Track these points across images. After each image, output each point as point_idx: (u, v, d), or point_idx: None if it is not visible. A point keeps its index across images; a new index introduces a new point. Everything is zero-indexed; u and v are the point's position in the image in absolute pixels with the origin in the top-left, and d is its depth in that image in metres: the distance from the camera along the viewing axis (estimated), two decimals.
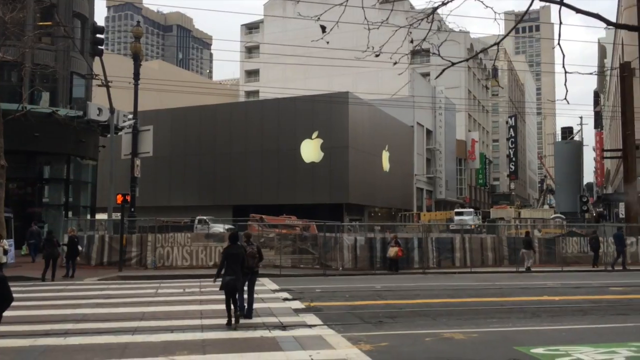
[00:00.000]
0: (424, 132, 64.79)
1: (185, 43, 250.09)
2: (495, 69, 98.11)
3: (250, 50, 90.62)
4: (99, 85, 22.66)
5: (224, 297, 10.55)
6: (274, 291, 15.59)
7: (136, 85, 23.28)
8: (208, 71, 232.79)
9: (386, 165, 51.99)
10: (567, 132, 70.91)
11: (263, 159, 46.41)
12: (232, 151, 47.59)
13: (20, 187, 27.60)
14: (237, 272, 10.49)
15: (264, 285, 17.00)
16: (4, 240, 16.89)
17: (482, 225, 38.87)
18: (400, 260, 22.41)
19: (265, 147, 46.37)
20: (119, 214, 25.03)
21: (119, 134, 25.59)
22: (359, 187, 45.40)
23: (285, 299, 13.97)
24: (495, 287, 17.31)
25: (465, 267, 22.91)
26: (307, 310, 12.32)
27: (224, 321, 10.50)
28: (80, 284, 17.17)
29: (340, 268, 21.71)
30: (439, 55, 8.81)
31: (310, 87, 64.13)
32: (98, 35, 21.52)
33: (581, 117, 64.34)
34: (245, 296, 11.19)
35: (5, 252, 16.66)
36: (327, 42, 9.50)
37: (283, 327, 10.36)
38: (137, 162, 22.83)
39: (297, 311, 12.14)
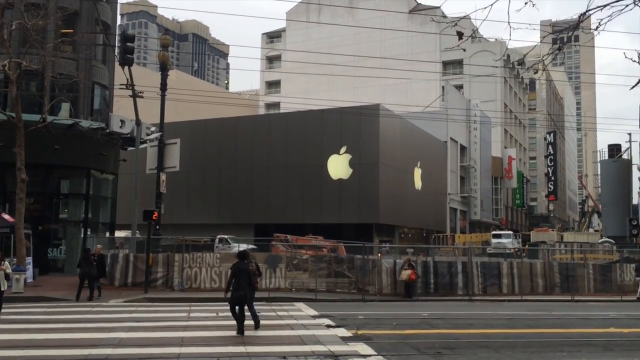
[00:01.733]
0: (457, 148, 64.19)
1: (201, 52, 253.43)
2: (532, 82, 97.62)
3: (271, 60, 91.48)
4: (130, 96, 22.87)
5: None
6: (314, 317, 15.47)
7: (163, 96, 23.47)
8: (226, 82, 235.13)
9: (418, 183, 51.59)
10: (615, 149, 69.75)
11: (287, 175, 46.17)
12: (253, 166, 47.41)
13: (37, 201, 27.75)
14: (244, 287, 12.23)
15: (301, 310, 16.91)
16: (6, 262, 15.83)
17: (523, 250, 38.19)
18: (442, 285, 22.22)
19: (289, 162, 46.13)
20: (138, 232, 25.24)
21: (142, 146, 25.78)
22: (390, 206, 44.99)
23: (329, 326, 13.86)
24: (553, 317, 16.97)
25: (514, 294, 22.50)
26: (355, 338, 12.19)
27: (273, 349, 10.79)
28: (106, 306, 17.23)
29: (378, 293, 21.49)
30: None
31: (335, 99, 64.23)
32: (128, 44, 21.81)
33: (630, 134, 63.04)
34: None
35: (7, 277, 15.53)
36: (464, 50, 9.53)
37: (335, 356, 10.27)
38: (163, 177, 22.98)
39: (345, 339, 12.03)
